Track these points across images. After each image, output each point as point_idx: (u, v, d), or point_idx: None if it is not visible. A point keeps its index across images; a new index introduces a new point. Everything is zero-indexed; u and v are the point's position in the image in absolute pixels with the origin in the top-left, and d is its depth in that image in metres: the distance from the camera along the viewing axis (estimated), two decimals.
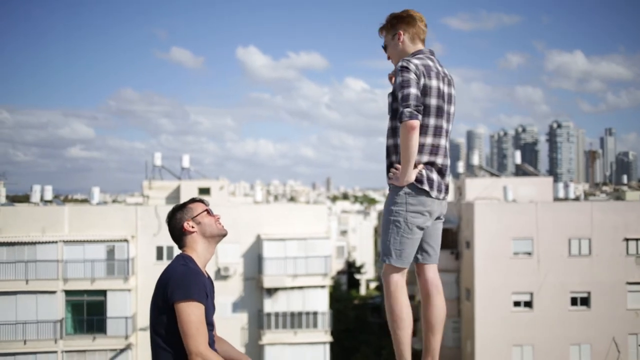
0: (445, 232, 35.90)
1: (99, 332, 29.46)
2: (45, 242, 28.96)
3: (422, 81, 3.07)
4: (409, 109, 3.00)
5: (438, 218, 3.32)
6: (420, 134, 3.10)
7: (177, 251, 3.25)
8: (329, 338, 31.02)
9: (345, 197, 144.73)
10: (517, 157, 43.86)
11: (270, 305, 30.86)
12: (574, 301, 31.82)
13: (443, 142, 3.18)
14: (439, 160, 3.17)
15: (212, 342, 3.02)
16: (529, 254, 31.80)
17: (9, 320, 28.36)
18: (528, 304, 31.80)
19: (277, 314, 30.80)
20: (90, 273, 29.35)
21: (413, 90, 3.03)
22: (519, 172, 48.73)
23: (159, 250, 30.50)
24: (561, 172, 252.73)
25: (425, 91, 3.09)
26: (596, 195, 47.40)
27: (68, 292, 29.35)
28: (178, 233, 3.14)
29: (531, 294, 31.68)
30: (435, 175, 3.17)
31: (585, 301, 31.83)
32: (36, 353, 28.49)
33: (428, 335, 3.33)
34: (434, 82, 3.10)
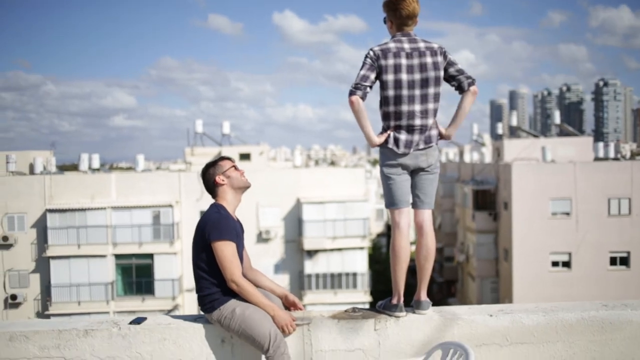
0: (483, 193, 36.17)
1: (148, 294, 30.81)
2: (95, 209, 30.24)
3: (378, 63, 3.74)
4: (351, 88, 3.71)
5: (424, 170, 3.88)
6: (384, 104, 3.81)
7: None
8: (368, 298, 31.80)
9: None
10: (557, 117, 43.35)
11: (310, 267, 31.72)
12: (613, 261, 31.82)
13: (405, 108, 3.77)
14: (404, 122, 3.79)
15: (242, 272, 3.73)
16: (568, 214, 31.81)
17: (63, 283, 29.91)
18: (566, 264, 31.93)
19: (317, 275, 31.67)
20: (137, 237, 30.59)
21: (361, 72, 3.74)
22: (562, 132, 48.16)
23: (202, 214, 31.50)
24: (607, 131, 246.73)
25: (381, 70, 3.75)
26: None
27: (117, 256, 30.68)
28: (211, 186, 3.84)
29: (569, 254, 31.80)
30: (403, 135, 3.79)
31: (624, 261, 31.80)
32: (90, 313, 29.98)
33: (418, 268, 3.97)
34: (390, 61, 3.73)
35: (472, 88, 3.80)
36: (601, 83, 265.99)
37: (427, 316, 3.79)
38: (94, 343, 3.62)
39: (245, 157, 37.18)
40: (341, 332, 3.70)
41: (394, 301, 3.85)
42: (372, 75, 3.75)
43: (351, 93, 3.70)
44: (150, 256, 30.84)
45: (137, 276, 30.96)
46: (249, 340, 3.53)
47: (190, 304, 31.47)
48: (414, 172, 3.88)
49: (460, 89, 3.83)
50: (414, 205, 3.94)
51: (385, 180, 3.87)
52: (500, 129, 50.86)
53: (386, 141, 3.83)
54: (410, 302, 3.96)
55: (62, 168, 42.81)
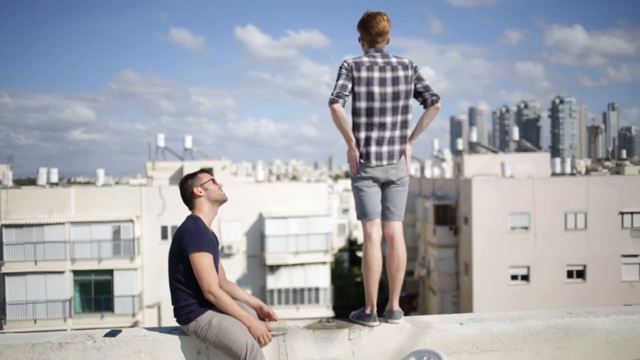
0: (444, 208, 36.62)
1: (107, 311, 30.26)
2: (53, 224, 29.64)
3: (352, 74, 3.88)
4: (330, 97, 3.83)
5: (394, 183, 4.00)
6: (356, 115, 3.94)
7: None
8: (330, 313, 31.81)
9: (347, 175, 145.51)
10: (515, 133, 44.30)
11: (273, 282, 31.64)
12: (570, 274, 32.53)
13: (377, 119, 3.92)
14: (374, 134, 3.92)
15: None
16: (526, 228, 32.43)
17: (19, 300, 29.17)
18: (525, 278, 32.51)
19: (279, 290, 31.58)
20: (97, 253, 30.06)
21: (339, 82, 3.87)
22: (520, 148, 49.19)
23: (164, 229, 31.18)
24: (563, 147, 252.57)
25: (354, 82, 3.89)
26: (598, 170, 47.85)
27: (76, 272, 30.09)
28: (188, 197, 3.87)
29: (528, 268, 32.38)
30: (373, 147, 3.92)
31: (581, 274, 32.53)
32: (46, 331, 29.22)
33: (390, 279, 4.04)
34: (363, 74, 3.88)
35: (435, 105, 3.97)
36: (557, 100, 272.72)
37: (400, 325, 3.87)
38: (69, 356, 3.60)
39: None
40: (316, 342, 3.76)
41: (367, 311, 3.93)
42: (350, 85, 3.88)
43: (333, 102, 3.80)
44: (109, 272, 30.33)
45: (96, 293, 30.40)
46: (226, 351, 3.56)
47: (150, 320, 31.03)
48: (384, 185, 4.00)
49: (425, 104, 4.00)
50: (385, 217, 4.04)
51: (357, 192, 3.98)
52: (460, 144, 51.64)
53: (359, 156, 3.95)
54: (383, 312, 4.04)
55: (19, 182, 41.93)
